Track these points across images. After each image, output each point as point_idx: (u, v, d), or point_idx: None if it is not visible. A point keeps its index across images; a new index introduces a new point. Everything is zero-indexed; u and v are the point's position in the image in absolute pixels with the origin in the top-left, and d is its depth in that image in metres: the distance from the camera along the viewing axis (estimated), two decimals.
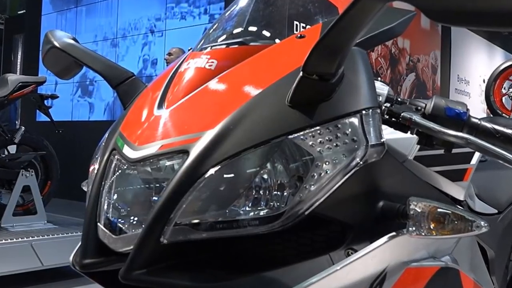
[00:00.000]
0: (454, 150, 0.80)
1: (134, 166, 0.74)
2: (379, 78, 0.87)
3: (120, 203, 0.75)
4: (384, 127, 0.78)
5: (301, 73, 0.69)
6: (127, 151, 0.75)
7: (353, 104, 0.72)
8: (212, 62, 0.83)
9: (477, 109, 8.92)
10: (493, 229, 0.94)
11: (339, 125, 0.70)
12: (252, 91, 0.75)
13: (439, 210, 0.73)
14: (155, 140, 0.73)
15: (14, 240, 3.33)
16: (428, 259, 0.81)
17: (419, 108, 0.81)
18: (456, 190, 0.90)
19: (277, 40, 0.90)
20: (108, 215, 0.74)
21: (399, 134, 0.83)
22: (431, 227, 0.72)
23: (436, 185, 0.88)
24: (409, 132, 0.80)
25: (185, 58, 0.90)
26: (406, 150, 0.87)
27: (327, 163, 0.69)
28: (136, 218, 0.73)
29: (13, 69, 9.44)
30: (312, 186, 0.69)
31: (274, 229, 0.69)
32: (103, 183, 0.77)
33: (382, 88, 0.83)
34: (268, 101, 0.73)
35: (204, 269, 0.72)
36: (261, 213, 0.69)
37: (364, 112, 0.72)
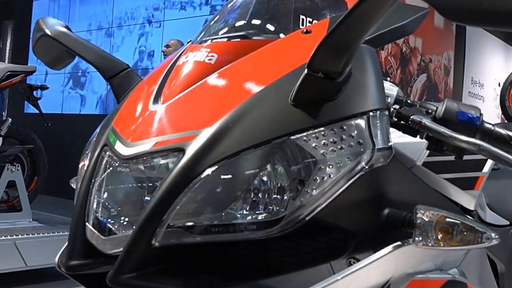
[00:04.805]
0: (466, 157, 0.80)
1: (126, 164, 0.74)
2: (388, 78, 0.87)
3: (110, 202, 0.75)
4: (392, 130, 0.78)
5: (306, 71, 0.69)
6: (120, 147, 0.75)
7: (360, 105, 0.72)
8: (212, 56, 0.83)
9: (491, 114, 8.92)
10: (504, 241, 0.94)
11: (344, 127, 0.70)
12: (254, 88, 0.75)
13: (447, 219, 0.73)
14: (149, 136, 0.73)
15: None
16: (434, 271, 0.81)
17: (429, 111, 0.81)
18: (466, 199, 0.90)
19: (281, 35, 0.90)
20: (97, 214, 0.74)
21: (407, 138, 0.83)
22: (439, 238, 0.72)
23: (445, 193, 0.88)
24: (418, 136, 0.80)
25: (183, 50, 0.90)
26: (415, 155, 0.87)
27: (330, 166, 0.69)
28: (126, 219, 0.73)
29: (1, 57, 9.44)
30: (314, 191, 0.69)
31: (273, 234, 0.69)
32: (93, 180, 0.77)
33: (391, 89, 0.83)
34: (270, 99, 0.73)
35: (198, 274, 0.72)
36: (259, 217, 0.69)
37: (371, 113, 0.72)
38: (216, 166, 0.68)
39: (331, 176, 0.69)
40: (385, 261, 0.72)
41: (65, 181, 1.15)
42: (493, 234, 0.72)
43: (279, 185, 0.70)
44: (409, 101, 0.83)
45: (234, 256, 0.74)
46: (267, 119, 0.71)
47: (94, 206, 0.75)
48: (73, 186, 0.89)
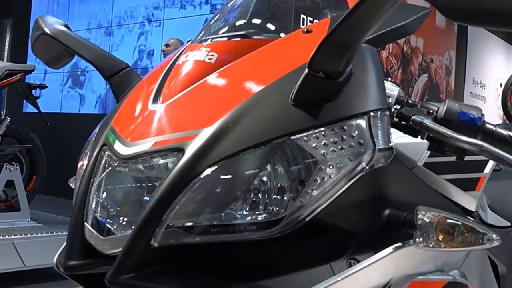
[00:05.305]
0: (467, 158, 0.80)
1: (126, 163, 0.74)
2: (389, 78, 0.87)
3: (109, 202, 0.75)
4: (393, 130, 0.78)
5: (306, 70, 0.69)
6: (119, 147, 0.75)
7: (360, 105, 0.72)
8: (212, 55, 0.83)
9: (493, 115, 8.92)
10: (506, 243, 0.94)
11: (345, 127, 0.70)
12: (254, 87, 0.75)
13: (448, 221, 0.73)
14: (148, 136, 0.73)
15: None
16: (435, 273, 0.81)
17: (431, 111, 0.81)
18: (468, 200, 0.90)
19: (282, 34, 0.90)
20: (96, 214, 0.74)
21: (408, 139, 0.83)
22: (440, 239, 0.72)
23: (446, 194, 0.88)
24: (419, 136, 0.80)
25: (183, 50, 0.90)
26: (416, 156, 0.87)
27: (331, 166, 0.69)
28: (125, 219, 0.73)
29: (0, 56, 9.44)
30: (314, 191, 0.69)
31: (273, 235, 0.69)
32: (91, 180, 0.77)
33: (392, 89, 0.83)
34: (270, 98, 0.73)
35: (197, 275, 0.72)
36: (259, 217, 0.69)
37: (372, 114, 0.72)
38: (216, 166, 0.68)
39: (332, 176, 0.69)
40: (386, 262, 0.72)
41: (64, 180, 1.15)
42: (494, 236, 0.72)
43: (279, 185, 0.69)
44: (410, 101, 0.83)
45: (234, 257, 0.74)
46: (267, 119, 0.71)
47: (93, 206, 0.75)
48: (72, 185, 0.89)
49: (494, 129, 0.79)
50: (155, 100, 0.80)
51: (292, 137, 0.69)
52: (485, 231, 0.73)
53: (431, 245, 0.72)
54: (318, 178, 0.69)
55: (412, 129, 0.80)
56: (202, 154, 0.68)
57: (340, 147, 0.70)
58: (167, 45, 5.03)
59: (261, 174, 0.69)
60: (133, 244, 0.68)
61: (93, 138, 0.84)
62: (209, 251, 0.73)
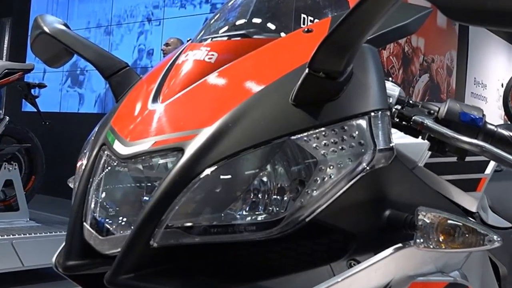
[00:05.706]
0: (468, 158, 0.80)
1: (125, 163, 0.74)
2: (390, 78, 0.87)
3: (108, 202, 0.75)
4: (393, 130, 0.78)
5: (307, 70, 0.69)
6: (118, 146, 0.75)
7: (361, 105, 0.72)
8: (212, 54, 0.83)
9: (494, 115, 8.92)
10: (507, 244, 0.94)
11: (345, 127, 0.70)
12: (254, 87, 0.75)
13: (449, 221, 0.73)
14: (148, 136, 0.74)
15: None
16: (435, 274, 0.81)
17: (432, 111, 0.81)
18: (468, 201, 0.90)
19: (282, 34, 0.90)
20: (95, 214, 0.74)
21: (409, 139, 0.83)
22: (440, 240, 0.72)
23: (447, 195, 0.88)
24: (420, 137, 0.80)
25: (183, 49, 0.90)
26: (417, 156, 0.87)
27: (331, 167, 0.69)
28: (125, 219, 0.73)
29: None
30: (315, 191, 0.69)
31: (272, 235, 0.69)
32: (91, 180, 0.77)
33: (393, 89, 0.83)
34: (270, 98, 0.73)
35: (196, 275, 0.72)
36: (259, 218, 0.69)
37: (373, 114, 0.72)
38: (216, 166, 0.68)
39: (332, 176, 0.69)
40: (386, 263, 0.72)
41: (63, 180, 1.15)
42: (495, 237, 0.72)
43: (279, 185, 0.70)
44: (411, 101, 0.83)
45: (233, 258, 0.74)
46: (267, 119, 0.71)
47: (92, 206, 0.75)
48: (71, 185, 0.89)
49: (495, 129, 0.79)
50: (155, 99, 0.81)
51: (292, 137, 0.69)
52: (486, 232, 0.73)
53: (431, 246, 0.72)
54: (318, 178, 0.69)
55: (413, 130, 0.80)
56: (202, 154, 0.68)
57: (340, 147, 0.70)
58: (167, 45, 5.03)
59: (261, 174, 0.69)
60: (132, 244, 0.68)
61: (92, 138, 0.84)
62: (208, 251, 0.73)
